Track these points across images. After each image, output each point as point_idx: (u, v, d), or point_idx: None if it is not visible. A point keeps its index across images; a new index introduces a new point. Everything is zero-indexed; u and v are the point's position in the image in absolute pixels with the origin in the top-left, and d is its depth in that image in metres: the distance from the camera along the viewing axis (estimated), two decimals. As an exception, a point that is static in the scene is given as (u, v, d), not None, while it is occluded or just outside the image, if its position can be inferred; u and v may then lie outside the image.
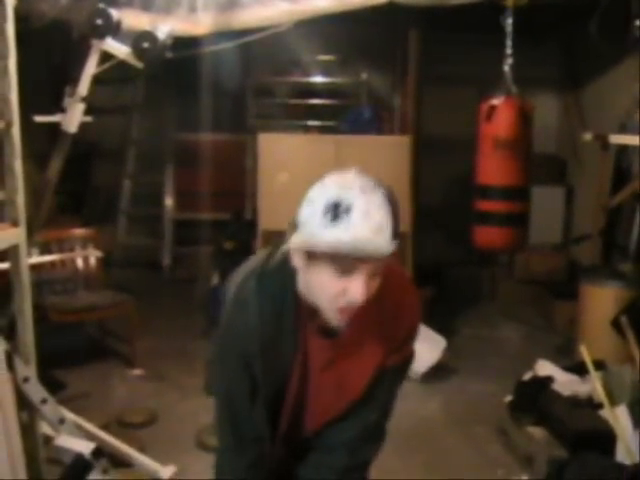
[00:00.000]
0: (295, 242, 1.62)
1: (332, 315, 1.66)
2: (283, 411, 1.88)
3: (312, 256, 1.60)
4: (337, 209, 1.52)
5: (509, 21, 5.03)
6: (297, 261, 1.66)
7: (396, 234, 1.57)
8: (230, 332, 1.83)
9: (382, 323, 1.80)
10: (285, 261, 1.72)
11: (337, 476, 1.91)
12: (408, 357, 1.92)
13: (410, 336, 1.88)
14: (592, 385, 4.06)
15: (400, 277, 1.87)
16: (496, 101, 5.08)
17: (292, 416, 1.90)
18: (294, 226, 1.62)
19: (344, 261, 1.56)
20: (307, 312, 1.74)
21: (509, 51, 5.08)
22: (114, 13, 3.90)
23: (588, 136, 5.59)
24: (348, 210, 1.51)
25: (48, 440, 2.91)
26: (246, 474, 1.93)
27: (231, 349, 1.83)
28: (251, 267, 1.83)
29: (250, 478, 1.94)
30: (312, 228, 1.55)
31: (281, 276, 1.75)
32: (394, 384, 1.93)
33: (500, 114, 5.06)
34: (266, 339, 1.76)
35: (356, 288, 1.59)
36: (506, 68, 5.10)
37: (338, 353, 1.81)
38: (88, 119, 4.06)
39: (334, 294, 1.61)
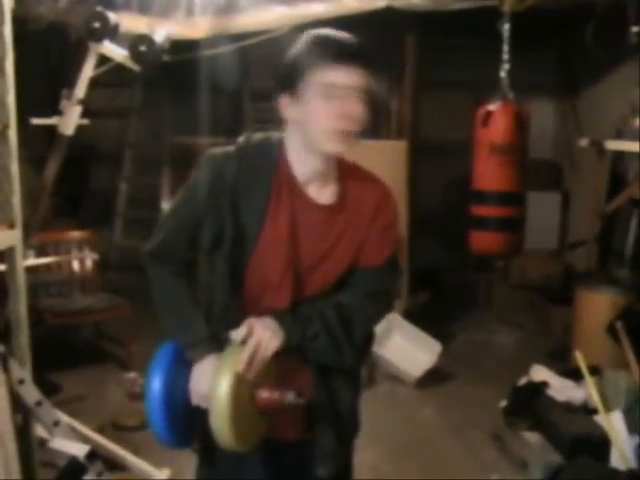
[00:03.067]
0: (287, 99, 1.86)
1: (331, 142, 1.82)
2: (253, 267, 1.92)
3: (304, 96, 1.83)
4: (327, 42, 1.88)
5: (506, 27, 5.04)
6: (287, 110, 1.87)
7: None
8: (206, 171, 1.94)
9: (358, 219, 1.94)
10: (264, 137, 1.97)
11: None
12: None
13: (386, 224, 1.98)
14: (587, 390, 4.05)
15: (378, 183, 2.02)
16: (492, 107, 5.09)
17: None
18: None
19: (333, 87, 1.79)
20: (287, 178, 1.90)
21: (506, 57, 5.10)
22: (112, 16, 3.92)
23: (584, 142, 5.60)
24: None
25: (43, 443, 2.90)
26: (171, 280, 1.98)
27: (204, 181, 1.92)
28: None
29: (176, 285, 1.98)
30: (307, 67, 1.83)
31: (261, 147, 1.95)
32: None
33: (496, 120, 5.07)
34: (240, 184, 1.88)
35: (350, 109, 1.80)
36: (502, 74, 5.12)
37: (325, 221, 1.92)
38: (85, 122, 4.07)
39: (326, 116, 1.80)
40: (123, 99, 7.96)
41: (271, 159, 1.92)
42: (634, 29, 4.91)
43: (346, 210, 1.93)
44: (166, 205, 7.83)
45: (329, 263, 1.93)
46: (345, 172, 1.97)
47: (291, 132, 1.91)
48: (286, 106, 1.87)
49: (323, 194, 1.93)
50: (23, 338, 2.76)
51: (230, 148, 1.95)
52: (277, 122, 1.95)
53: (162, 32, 4.12)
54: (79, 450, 2.76)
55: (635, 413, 3.78)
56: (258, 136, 1.98)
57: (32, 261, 4.47)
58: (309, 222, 1.91)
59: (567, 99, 7.67)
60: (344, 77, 1.78)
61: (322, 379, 1.96)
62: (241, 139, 1.98)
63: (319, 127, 1.82)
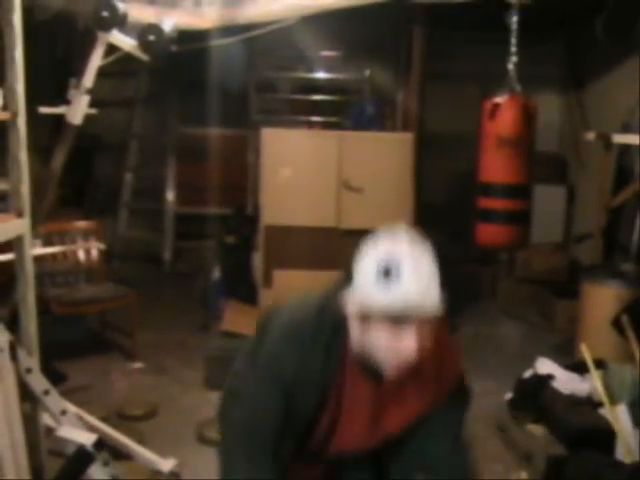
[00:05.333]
0: (350, 303, 1.70)
1: (387, 370, 1.75)
2: (313, 438, 1.91)
3: (366, 317, 1.68)
4: (389, 272, 1.60)
5: (514, 19, 5.03)
6: (352, 320, 1.73)
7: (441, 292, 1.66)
8: (276, 356, 1.85)
9: (425, 375, 1.86)
10: (340, 307, 1.77)
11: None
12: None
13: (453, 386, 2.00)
14: (592, 384, 4.06)
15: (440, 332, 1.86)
16: (499, 99, 5.08)
17: (321, 442, 1.93)
18: (348, 281, 1.69)
19: (397, 320, 1.64)
20: (353, 356, 1.80)
21: (513, 49, 5.08)
22: (120, 5, 3.91)
23: (591, 135, 5.58)
24: (398, 272, 1.60)
25: (50, 431, 2.91)
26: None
27: (270, 372, 1.85)
28: (307, 302, 1.89)
29: None
30: (366, 290, 1.64)
31: (336, 318, 1.79)
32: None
33: (503, 112, 5.06)
34: (305, 370, 1.80)
35: (408, 346, 1.67)
36: (510, 66, 5.11)
37: (380, 396, 1.86)
38: (93, 111, 4.06)
39: (388, 352, 1.69)
40: (129, 89, 7.97)
41: (338, 342, 1.81)
42: (642, 22, 4.90)
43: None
44: (171, 196, 7.86)
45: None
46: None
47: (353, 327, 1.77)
48: (348, 302, 1.74)
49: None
50: (31, 327, 2.76)
51: (308, 319, 1.84)
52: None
53: (170, 22, 4.10)
54: (86, 439, 2.76)
55: (640, 406, 3.79)
56: (332, 309, 1.81)
57: (38, 251, 4.47)
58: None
59: (574, 92, 7.65)
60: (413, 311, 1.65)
61: None
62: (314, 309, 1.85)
63: (377, 356, 1.74)
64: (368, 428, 1.90)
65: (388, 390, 1.86)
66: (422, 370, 1.82)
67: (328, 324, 1.80)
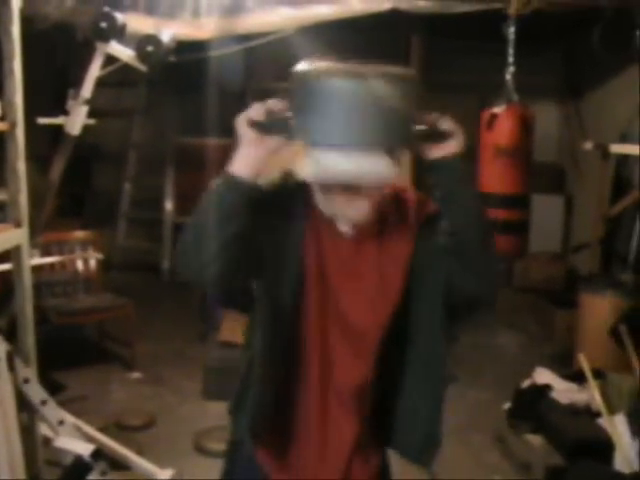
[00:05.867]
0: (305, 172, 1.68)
1: (342, 223, 1.76)
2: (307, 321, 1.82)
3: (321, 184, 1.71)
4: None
5: (511, 29, 5.04)
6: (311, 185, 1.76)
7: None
8: None
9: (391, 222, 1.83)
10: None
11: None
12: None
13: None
14: (590, 393, 4.06)
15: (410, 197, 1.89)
16: (497, 109, 5.09)
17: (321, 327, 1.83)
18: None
19: (346, 188, 1.66)
20: (319, 214, 1.79)
21: (511, 59, 5.09)
22: (119, 16, 3.93)
23: (588, 145, 5.60)
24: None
25: (47, 441, 2.91)
26: None
27: None
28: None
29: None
30: (317, 158, 1.62)
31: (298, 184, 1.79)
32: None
33: (501, 122, 5.06)
34: (274, 214, 1.78)
35: (358, 210, 1.70)
36: (508, 76, 5.11)
37: (357, 253, 1.82)
38: (91, 122, 4.07)
39: (342, 216, 1.73)
40: (128, 99, 7.98)
41: (301, 197, 1.82)
42: (639, 33, 4.92)
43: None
44: (169, 205, 7.86)
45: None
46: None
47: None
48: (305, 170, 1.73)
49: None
50: (29, 337, 2.77)
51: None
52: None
53: (168, 32, 4.12)
54: (84, 449, 2.77)
55: (639, 416, 3.78)
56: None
57: (37, 260, 4.48)
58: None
59: (571, 102, 7.67)
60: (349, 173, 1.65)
61: None
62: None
63: (332, 213, 1.76)
64: (373, 289, 1.82)
65: (364, 244, 1.82)
66: (386, 220, 1.82)
67: (289, 188, 1.83)
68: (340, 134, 1.57)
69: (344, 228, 1.78)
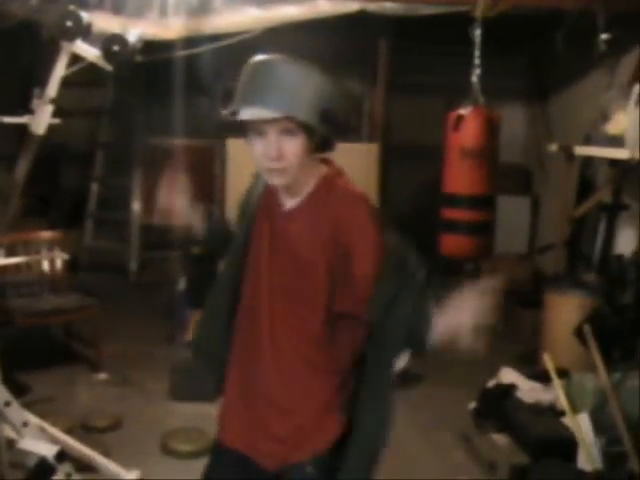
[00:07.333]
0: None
1: (268, 178, 1.98)
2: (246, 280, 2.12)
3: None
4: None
5: (477, 32, 5.09)
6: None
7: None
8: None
9: (323, 224, 1.98)
10: None
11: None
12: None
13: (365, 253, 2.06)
14: (555, 393, 4.10)
15: (349, 194, 2.03)
16: (464, 111, 5.13)
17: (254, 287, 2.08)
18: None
19: (259, 132, 1.89)
20: (270, 194, 2.08)
21: (477, 62, 5.14)
22: (84, 15, 3.89)
23: (554, 147, 5.66)
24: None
25: (11, 443, 2.89)
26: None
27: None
28: None
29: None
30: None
31: None
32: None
33: (467, 124, 5.11)
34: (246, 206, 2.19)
35: (271, 151, 1.88)
36: (474, 78, 5.16)
37: (289, 223, 2.02)
38: (56, 121, 4.04)
39: (259, 155, 1.92)
40: (95, 99, 7.93)
41: (263, 182, 2.13)
42: (603, 36, 4.98)
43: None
44: (137, 206, 7.82)
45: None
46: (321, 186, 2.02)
47: None
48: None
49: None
50: (-8, 338, 2.75)
51: None
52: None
53: (135, 32, 4.09)
54: (48, 450, 2.75)
55: (602, 415, 3.83)
56: None
57: (1, 261, 4.44)
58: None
59: (537, 104, 7.74)
60: (253, 116, 1.88)
61: None
62: None
63: (258, 164, 1.98)
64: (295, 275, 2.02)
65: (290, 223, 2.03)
66: (320, 218, 1.99)
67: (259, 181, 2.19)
68: (249, 95, 1.89)
69: (274, 181, 1.98)
